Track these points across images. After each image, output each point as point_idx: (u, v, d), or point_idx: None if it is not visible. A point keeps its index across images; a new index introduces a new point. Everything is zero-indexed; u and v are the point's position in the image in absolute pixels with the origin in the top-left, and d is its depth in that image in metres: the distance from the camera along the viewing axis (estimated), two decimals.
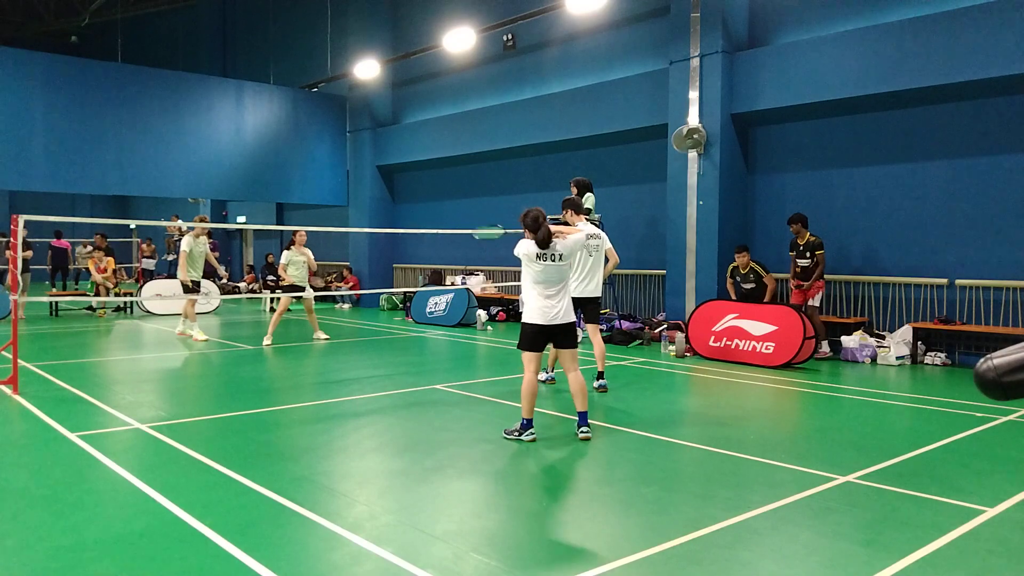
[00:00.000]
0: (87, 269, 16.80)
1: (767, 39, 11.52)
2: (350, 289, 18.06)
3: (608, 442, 5.66)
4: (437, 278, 16.93)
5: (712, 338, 9.90)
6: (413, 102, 18.18)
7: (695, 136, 11.29)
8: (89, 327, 13.53)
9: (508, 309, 15.00)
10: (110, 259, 16.31)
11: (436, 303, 14.60)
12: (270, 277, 18.53)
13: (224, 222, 25.25)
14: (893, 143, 10.42)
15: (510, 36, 15.26)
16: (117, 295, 16.20)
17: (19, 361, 7.56)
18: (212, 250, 15.34)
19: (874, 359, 9.72)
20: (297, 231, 11.34)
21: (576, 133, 13.66)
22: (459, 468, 4.98)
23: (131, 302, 16.25)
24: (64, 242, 20.09)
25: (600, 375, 7.70)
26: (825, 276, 10.35)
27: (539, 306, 5.62)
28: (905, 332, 9.79)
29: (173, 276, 16.18)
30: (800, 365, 9.27)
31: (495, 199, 16.33)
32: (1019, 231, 9.34)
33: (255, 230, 25.11)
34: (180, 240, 12.14)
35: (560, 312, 5.65)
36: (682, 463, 5.26)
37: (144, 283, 17.33)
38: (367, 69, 16.77)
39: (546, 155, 15.15)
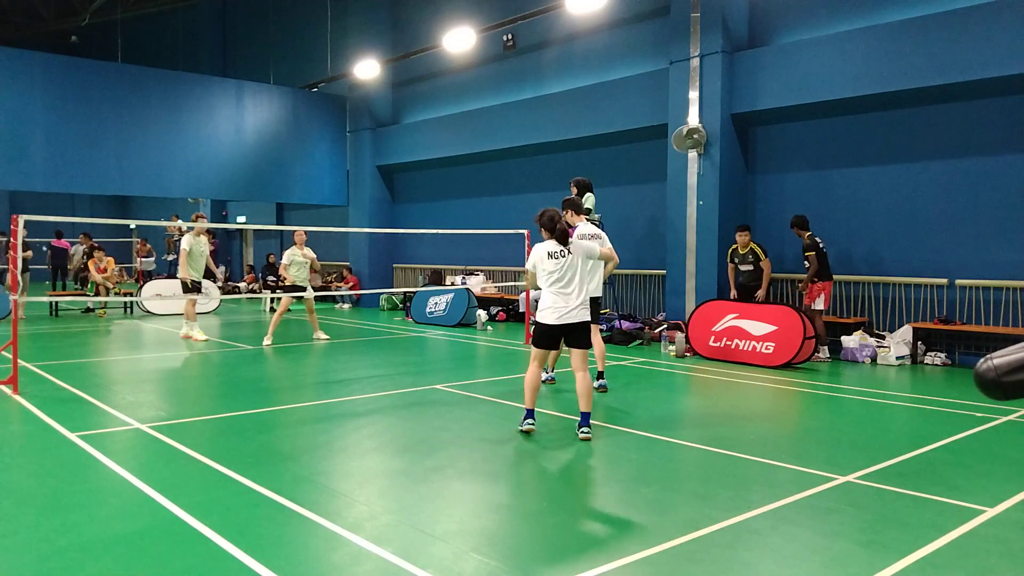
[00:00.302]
0: (83, 267, 16.79)
1: (767, 39, 11.52)
2: (350, 289, 18.06)
3: (608, 442, 5.66)
4: (437, 278, 16.93)
5: (712, 338, 9.90)
6: (413, 102, 18.18)
7: (695, 136, 11.29)
8: (89, 327, 13.53)
9: (508, 309, 15.00)
10: (110, 259, 16.31)
11: (436, 303, 14.60)
12: (270, 277, 18.53)
13: (224, 222, 25.26)
14: (893, 143, 10.42)
15: (510, 36, 15.26)
16: (117, 295, 16.20)
17: (19, 361, 7.56)
18: (212, 249, 15.33)
19: (874, 359, 9.72)
20: (297, 231, 11.35)
21: (576, 133, 13.65)
22: (459, 468, 4.98)
23: (131, 302, 16.25)
24: (64, 242, 20.09)
25: (600, 375, 7.69)
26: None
27: (550, 305, 5.70)
28: (905, 332, 9.79)
29: (174, 276, 16.17)
30: (800, 365, 9.27)
31: (495, 199, 16.34)
32: (1019, 231, 9.35)
33: (255, 230, 25.11)
34: (180, 240, 12.14)
35: (572, 311, 5.67)
36: (682, 463, 5.26)
37: (143, 283, 17.33)
38: (367, 69, 16.77)
39: (546, 155, 15.15)
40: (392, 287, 18.73)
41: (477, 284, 15.55)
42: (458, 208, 17.29)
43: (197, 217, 12.06)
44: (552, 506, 4.34)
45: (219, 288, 18.11)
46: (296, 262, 11.31)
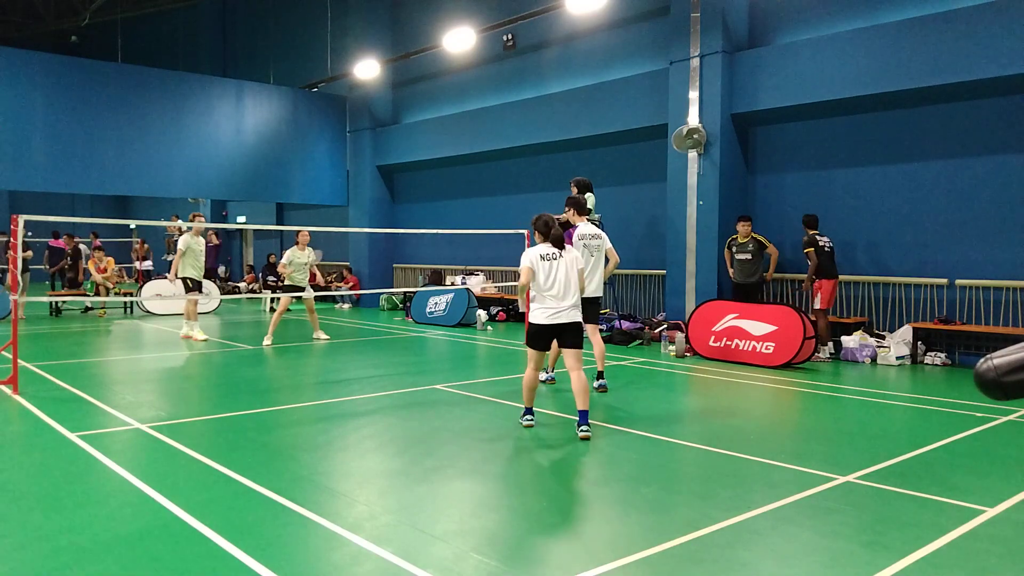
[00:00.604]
0: (70, 267, 16.78)
1: (767, 39, 11.52)
2: (350, 289, 18.06)
3: (608, 442, 5.66)
4: (437, 278, 16.93)
5: (712, 338, 9.90)
6: (413, 102, 18.18)
7: (695, 136, 11.29)
8: (89, 327, 13.53)
9: (508, 309, 15.00)
10: (110, 259, 16.31)
11: (436, 303, 14.60)
12: (270, 277, 18.53)
13: (224, 222, 25.25)
14: (893, 143, 10.43)
15: (510, 36, 15.27)
16: (117, 295, 16.20)
17: (19, 361, 7.56)
18: (216, 246, 15.31)
19: (874, 359, 9.72)
20: (300, 231, 11.34)
21: (576, 133, 13.65)
22: (459, 468, 4.98)
23: (131, 302, 16.25)
24: (61, 242, 20.07)
25: (600, 375, 7.70)
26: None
27: (543, 306, 5.82)
28: (905, 332, 9.79)
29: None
30: (800, 365, 9.27)
31: (495, 199, 16.34)
32: (1019, 231, 9.35)
33: (255, 230, 25.11)
34: (179, 240, 12.14)
35: (563, 311, 5.78)
36: (682, 463, 5.26)
37: (143, 283, 17.33)
38: (367, 69, 16.77)
39: (546, 155, 15.15)
40: (392, 287, 18.73)
41: (477, 284, 15.55)
42: (458, 208, 17.29)
43: (194, 217, 12.07)
44: (552, 506, 4.34)
45: (218, 288, 18.12)
46: (296, 263, 11.31)
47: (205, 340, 11.48)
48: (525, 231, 12.03)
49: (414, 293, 15.45)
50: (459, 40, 14.63)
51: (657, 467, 5.08)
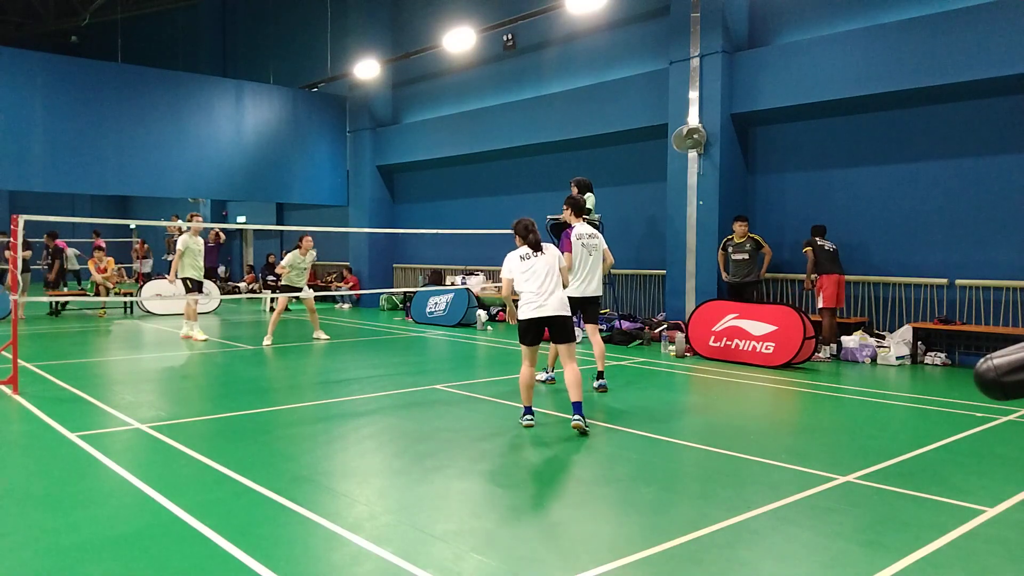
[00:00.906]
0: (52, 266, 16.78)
1: (767, 39, 11.52)
2: (350, 289, 18.06)
3: (608, 442, 5.66)
4: (437, 278, 16.93)
5: (712, 338, 9.90)
6: (413, 102, 18.18)
7: (695, 136, 11.29)
8: (89, 327, 13.53)
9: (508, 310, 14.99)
10: (110, 259, 16.30)
11: (436, 303, 14.60)
12: (270, 277, 18.53)
13: (224, 222, 25.25)
14: (893, 143, 10.43)
15: (510, 36, 15.27)
16: (117, 295, 16.20)
17: (19, 361, 7.55)
18: (219, 245, 15.29)
19: (874, 359, 9.72)
20: (304, 236, 11.39)
21: (576, 133, 13.66)
22: (459, 468, 4.97)
23: (131, 302, 16.25)
24: (61, 242, 20.06)
25: (600, 375, 7.70)
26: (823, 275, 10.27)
27: (527, 301, 6.02)
28: (905, 332, 9.79)
29: None
30: (800, 365, 9.27)
31: (495, 199, 16.34)
32: (1019, 231, 9.35)
33: (255, 230, 25.11)
34: (178, 240, 12.15)
35: (548, 305, 5.95)
36: (682, 463, 5.26)
37: (143, 283, 17.33)
38: (367, 69, 16.77)
39: (546, 155, 15.15)
40: (392, 287, 18.73)
41: (477, 284, 15.55)
42: (458, 208, 17.29)
43: (192, 216, 12.06)
44: (552, 506, 4.34)
45: (218, 288, 18.12)
46: (296, 267, 11.36)
47: (205, 340, 11.48)
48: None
49: (414, 293, 15.45)
50: (459, 40, 14.63)
51: (657, 467, 5.08)
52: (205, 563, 3.44)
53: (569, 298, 6.34)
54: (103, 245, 18.10)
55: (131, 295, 16.31)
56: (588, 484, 4.84)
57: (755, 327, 9.49)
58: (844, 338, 9.99)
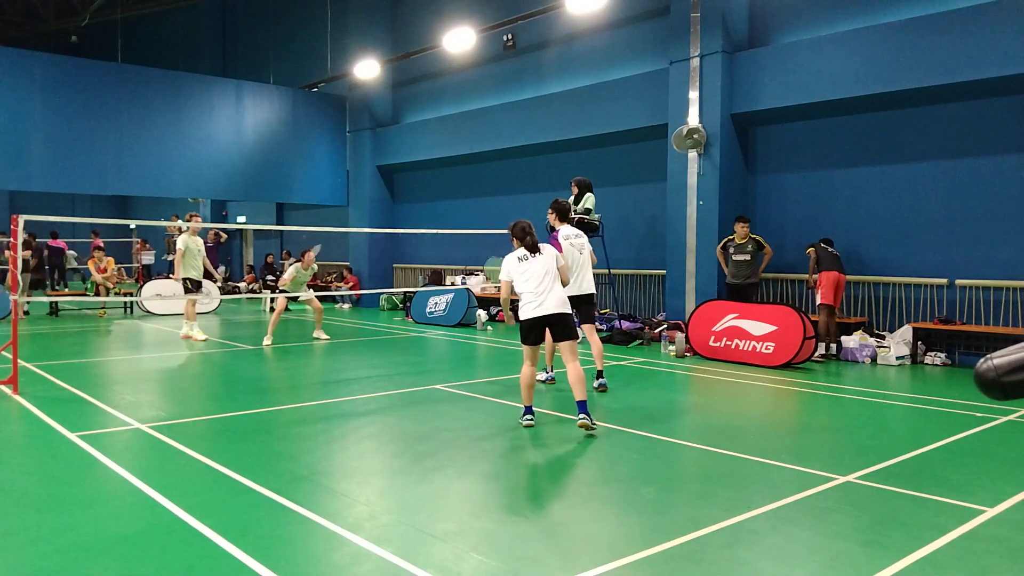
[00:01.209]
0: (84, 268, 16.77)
1: (767, 39, 11.52)
2: (350, 289, 18.06)
3: (608, 442, 5.66)
4: (437, 278, 16.93)
5: (712, 338, 9.90)
6: (413, 102, 18.18)
7: (695, 136, 11.29)
8: (89, 327, 13.53)
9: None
10: (110, 259, 16.30)
11: (436, 303, 14.60)
12: (269, 277, 18.53)
13: (224, 222, 25.25)
14: (893, 143, 10.43)
15: (510, 36, 15.27)
16: (117, 295, 16.20)
17: (19, 361, 7.55)
18: (218, 244, 15.30)
19: (874, 359, 9.72)
20: (307, 253, 11.50)
21: (576, 133, 13.65)
22: (459, 468, 4.97)
23: (131, 302, 16.25)
24: (60, 242, 20.09)
25: (599, 374, 7.70)
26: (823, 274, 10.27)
27: (527, 302, 6.07)
28: (905, 332, 9.79)
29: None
30: (800, 365, 9.27)
31: (495, 199, 16.34)
32: (1019, 231, 9.35)
33: (255, 230, 25.11)
34: (177, 239, 12.15)
35: (548, 303, 5.98)
36: (682, 463, 5.26)
37: (144, 282, 17.33)
38: (367, 69, 16.77)
39: (546, 155, 15.15)
40: (392, 287, 18.73)
41: (477, 284, 15.55)
42: (458, 208, 17.29)
43: (191, 216, 12.07)
44: (552, 506, 4.34)
45: (219, 288, 18.11)
46: (297, 280, 11.44)
47: (205, 340, 11.48)
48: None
49: (414, 293, 15.45)
50: (459, 40, 14.63)
51: (657, 467, 5.08)
52: (205, 563, 3.44)
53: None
54: (101, 245, 18.10)
55: (131, 295, 16.31)
56: (588, 484, 4.84)
57: (755, 327, 9.49)
58: (844, 338, 9.99)
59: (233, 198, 20.96)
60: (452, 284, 15.85)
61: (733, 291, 10.72)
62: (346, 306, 18.35)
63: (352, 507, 4.20)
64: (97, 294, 15.89)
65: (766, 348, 9.31)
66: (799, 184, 11.37)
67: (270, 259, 20.05)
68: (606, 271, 12.47)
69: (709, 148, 11.37)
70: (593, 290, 7.78)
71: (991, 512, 4.16)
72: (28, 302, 15.71)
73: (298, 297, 11.69)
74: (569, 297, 7.29)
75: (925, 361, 9.65)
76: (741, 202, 11.78)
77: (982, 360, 1.95)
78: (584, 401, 5.84)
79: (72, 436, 5.66)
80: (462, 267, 16.88)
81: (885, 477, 4.78)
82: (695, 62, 11.45)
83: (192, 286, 11.62)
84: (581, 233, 7.85)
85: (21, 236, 7.50)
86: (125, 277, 20.70)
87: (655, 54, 12.85)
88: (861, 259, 10.71)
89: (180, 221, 16.96)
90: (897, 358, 9.52)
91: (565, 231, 7.70)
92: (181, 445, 5.41)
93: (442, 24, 16.23)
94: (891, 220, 10.44)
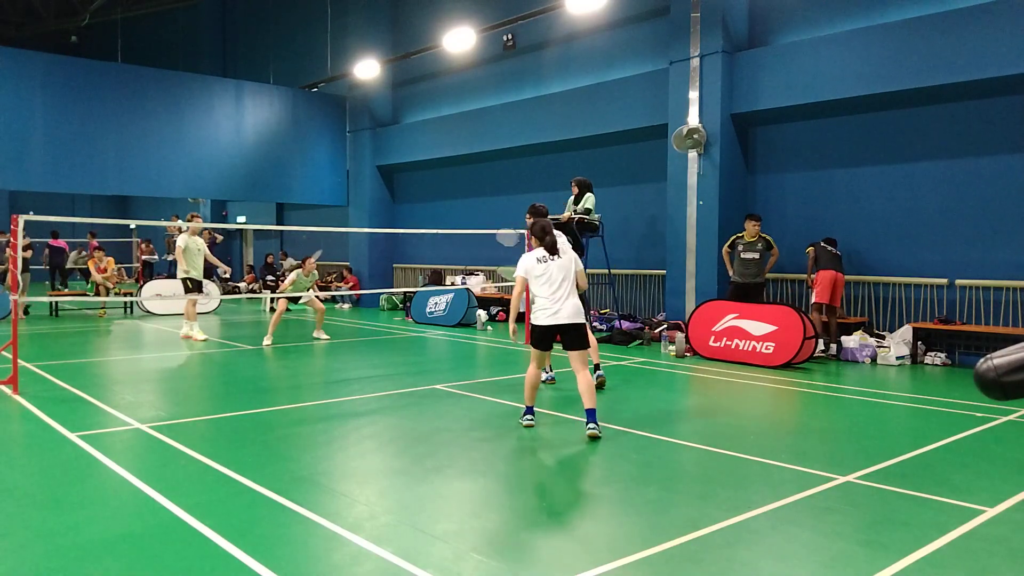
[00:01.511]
0: (84, 268, 16.76)
1: (767, 39, 11.52)
2: (350, 289, 18.06)
3: (608, 442, 5.66)
4: (437, 278, 16.93)
5: (712, 338, 9.89)
6: (413, 102, 18.18)
7: (695, 136, 11.29)
8: (89, 327, 13.53)
9: (508, 309, 14.99)
10: (110, 259, 16.30)
11: (436, 303, 14.60)
12: (269, 277, 18.53)
13: (224, 222, 25.26)
14: (893, 143, 10.43)
15: (510, 36, 15.27)
16: (117, 295, 16.20)
17: (19, 361, 7.55)
18: (212, 245, 15.30)
19: (874, 359, 9.72)
20: (308, 258, 11.54)
21: (576, 133, 13.65)
22: (459, 468, 4.97)
23: (131, 302, 16.25)
24: (61, 242, 20.08)
25: (596, 367, 7.69)
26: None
27: (541, 308, 5.88)
28: (905, 332, 9.79)
29: (174, 276, 16.13)
30: (800, 365, 9.27)
31: (495, 199, 16.34)
32: (1019, 231, 9.35)
33: (255, 230, 25.11)
34: (178, 239, 12.16)
35: (561, 312, 5.81)
36: (682, 463, 5.26)
37: (144, 282, 17.33)
38: (367, 69, 16.77)
39: (546, 155, 15.15)
40: (392, 287, 18.73)
41: (477, 284, 15.55)
42: (458, 208, 17.29)
43: (192, 217, 12.08)
44: (552, 506, 4.34)
45: (225, 278, 18.11)
46: (299, 286, 11.46)
47: (205, 340, 11.48)
48: (525, 231, 12.05)
49: (414, 293, 15.45)
50: (459, 40, 14.63)
51: (657, 467, 5.08)
52: (205, 563, 3.44)
53: None
54: (97, 245, 18.09)
55: (131, 295, 16.31)
56: (588, 484, 4.84)
57: (755, 327, 9.49)
58: (844, 338, 9.99)
59: (233, 198, 20.95)
60: (452, 284, 15.85)
61: (739, 290, 10.43)
62: (346, 306, 18.35)
63: (352, 507, 4.20)
64: (97, 294, 15.89)
65: (766, 348, 9.31)
66: (799, 184, 11.37)
67: (270, 259, 20.05)
68: (606, 271, 12.47)
69: (709, 148, 11.37)
70: (585, 286, 7.77)
71: (991, 512, 4.16)
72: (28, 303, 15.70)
73: (299, 298, 11.70)
74: None
75: (925, 361, 9.65)
76: (741, 202, 11.78)
77: (982, 360, 1.95)
78: (593, 410, 5.72)
79: (72, 436, 5.66)
80: (462, 267, 16.89)
81: (885, 477, 4.78)
82: (695, 62, 11.45)
83: (192, 286, 11.63)
84: (561, 234, 7.80)
85: (21, 236, 7.50)
86: (125, 277, 20.70)
87: (655, 54, 12.85)
88: (861, 259, 10.71)
89: (180, 221, 16.97)
90: (897, 358, 9.52)
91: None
92: (181, 445, 5.41)
93: (442, 24, 16.23)
94: (891, 220, 10.44)
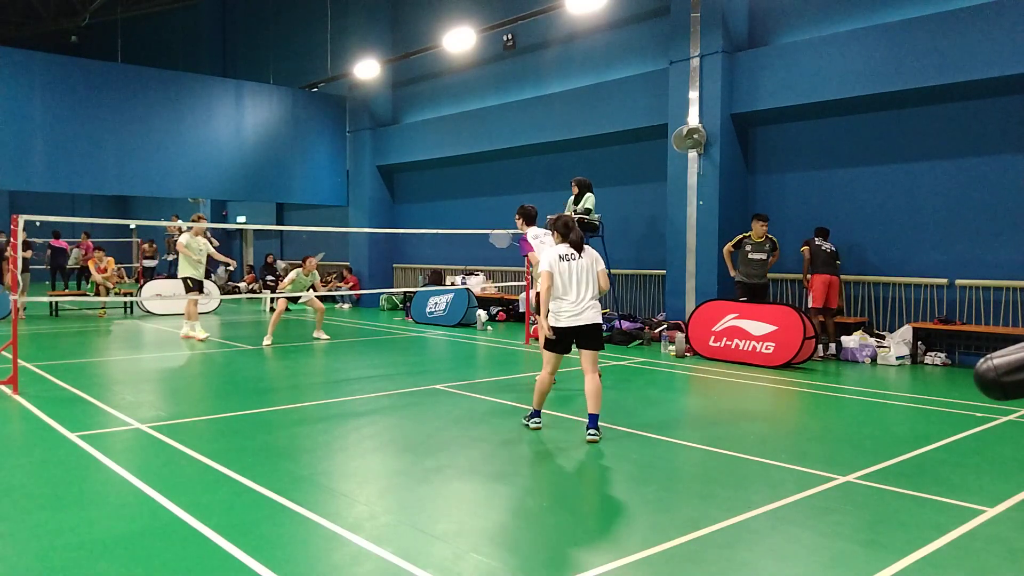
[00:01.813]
0: (82, 267, 16.76)
1: (767, 39, 11.52)
2: (350, 289, 18.06)
3: (608, 442, 5.66)
4: (437, 278, 16.93)
5: (712, 338, 9.89)
6: (413, 102, 18.18)
7: (695, 136, 11.29)
8: (89, 327, 13.53)
9: (508, 309, 15.00)
10: (110, 259, 16.30)
11: (436, 303, 14.60)
12: (269, 277, 18.53)
13: (224, 222, 25.25)
14: (893, 143, 10.43)
15: (510, 36, 15.26)
16: (117, 295, 16.20)
17: (19, 361, 7.55)
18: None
19: (874, 359, 9.72)
20: (308, 257, 11.53)
21: (576, 133, 13.65)
22: (459, 468, 4.98)
23: (131, 302, 16.25)
24: (62, 242, 20.10)
25: None
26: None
27: (563, 309, 5.67)
28: (905, 332, 9.79)
29: (174, 276, 16.12)
30: (800, 365, 9.27)
31: (495, 199, 16.33)
32: (1019, 231, 9.35)
33: (255, 230, 25.11)
34: (178, 240, 12.14)
35: (583, 313, 5.65)
36: (682, 463, 5.26)
37: (144, 283, 17.33)
38: (367, 69, 16.77)
39: (546, 155, 15.14)
40: (392, 287, 18.73)
41: (477, 284, 15.55)
42: (458, 208, 17.29)
43: (198, 218, 12.07)
44: (552, 506, 4.34)
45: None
46: (297, 284, 11.47)
47: (206, 338, 11.47)
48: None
49: (414, 293, 15.45)
50: (459, 40, 14.63)
51: (657, 467, 5.08)
52: (205, 563, 3.44)
53: None
54: (91, 245, 18.08)
55: (131, 295, 16.31)
56: (588, 484, 4.84)
57: (755, 327, 9.49)
58: (844, 338, 9.99)
59: (233, 198, 20.95)
60: (452, 284, 15.85)
61: (747, 291, 10.34)
62: (346, 306, 18.36)
63: (352, 507, 4.20)
64: (97, 294, 15.88)
65: (766, 348, 9.31)
66: (799, 184, 11.37)
67: (270, 259, 20.05)
68: (606, 271, 12.45)
69: (709, 148, 11.37)
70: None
71: (991, 512, 4.16)
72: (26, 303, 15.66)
73: (299, 298, 11.71)
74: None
75: (925, 361, 9.65)
76: (741, 202, 11.78)
77: (982, 360, 1.95)
78: (596, 415, 5.65)
79: (72, 436, 5.66)
80: (462, 267, 16.88)
81: (885, 477, 4.78)
82: (695, 62, 11.45)
83: (193, 285, 11.62)
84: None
85: (21, 236, 7.50)
86: (125, 277, 20.70)
87: (655, 54, 12.85)
88: (861, 259, 10.71)
89: (180, 221, 16.96)
90: (897, 358, 9.52)
91: (534, 231, 7.86)
92: (181, 445, 5.41)
93: (442, 24, 16.23)
94: (891, 220, 10.44)
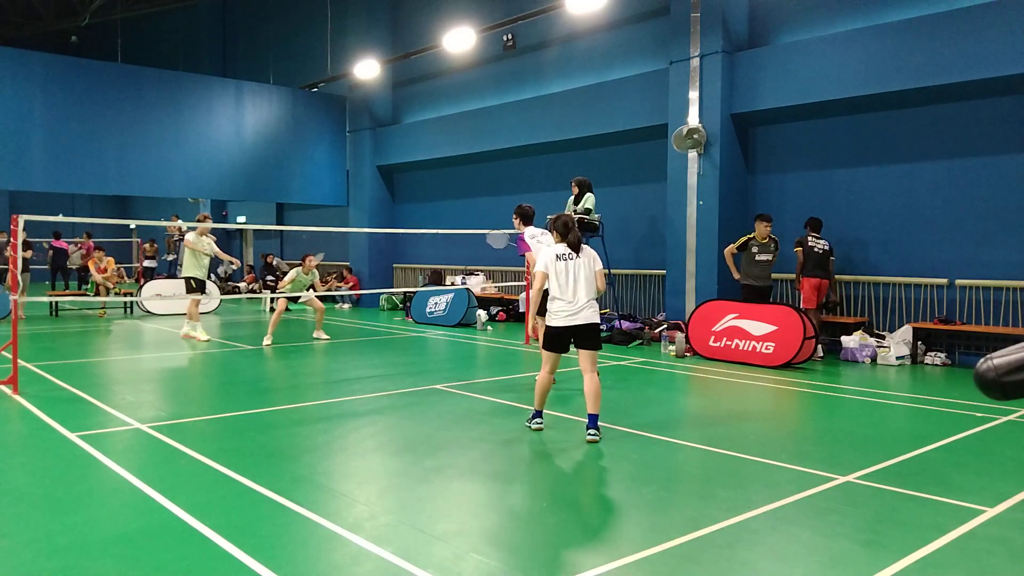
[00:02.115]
0: (81, 268, 16.75)
1: (767, 39, 11.52)
2: (350, 289, 18.06)
3: (609, 442, 5.66)
4: (437, 278, 16.93)
5: (712, 338, 9.89)
6: (413, 102, 18.18)
7: (695, 136, 11.29)
8: (89, 327, 13.53)
9: (508, 309, 15.00)
10: (110, 259, 16.30)
11: (436, 303, 14.60)
12: (269, 277, 18.52)
13: (224, 222, 25.25)
14: (893, 143, 10.43)
15: (510, 36, 15.26)
16: (117, 295, 16.19)
17: (19, 361, 7.55)
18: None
19: (874, 359, 9.72)
20: (308, 256, 11.54)
21: (576, 133, 13.65)
22: (459, 468, 4.98)
23: (131, 302, 16.25)
24: (63, 242, 20.09)
25: None
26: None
27: (559, 309, 5.68)
28: (905, 332, 9.79)
29: (174, 276, 16.14)
30: (800, 365, 9.27)
31: (495, 199, 16.33)
32: (1019, 231, 9.35)
33: (255, 230, 25.11)
34: (180, 240, 12.13)
35: (580, 313, 5.66)
36: (682, 463, 5.26)
37: (144, 283, 17.33)
38: (367, 69, 16.77)
39: (546, 155, 15.14)
40: (392, 287, 18.73)
41: (477, 284, 15.55)
42: (458, 208, 17.29)
43: (204, 217, 12.05)
44: (552, 506, 4.34)
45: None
46: (297, 284, 11.47)
47: (207, 341, 11.47)
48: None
49: (414, 293, 15.45)
50: (459, 40, 14.63)
51: (657, 467, 5.08)
52: (205, 563, 3.44)
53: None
54: (93, 246, 18.08)
55: (131, 295, 16.31)
56: (588, 484, 4.84)
57: (755, 327, 9.49)
58: (844, 338, 9.99)
59: (233, 198, 20.94)
60: (452, 284, 15.85)
61: (754, 293, 10.18)
62: (346, 306, 18.35)
63: (352, 507, 4.20)
64: (97, 294, 15.88)
65: (766, 348, 9.31)
66: (799, 184, 11.37)
67: (270, 259, 20.03)
68: (606, 271, 12.45)
69: (709, 148, 11.37)
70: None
71: (991, 512, 4.16)
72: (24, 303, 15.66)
73: (299, 298, 11.72)
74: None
75: (925, 361, 9.65)
76: (741, 202, 11.78)
77: (982, 360, 1.95)
78: (596, 416, 5.64)
79: (72, 436, 5.66)
80: (462, 267, 16.88)
81: (885, 477, 4.78)
82: (695, 62, 11.45)
83: (196, 285, 11.61)
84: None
85: (21, 236, 7.50)
86: (125, 277, 20.70)
87: (655, 54, 12.85)
88: (861, 259, 10.71)
89: (180, 221, 16.96)
90: (897, 358, 9.52)
91: (531, 231, 7.88)
92: (181, 445, 5.41)
93: (442, 24, 16.23)
94: (891, 220, 10.44)
